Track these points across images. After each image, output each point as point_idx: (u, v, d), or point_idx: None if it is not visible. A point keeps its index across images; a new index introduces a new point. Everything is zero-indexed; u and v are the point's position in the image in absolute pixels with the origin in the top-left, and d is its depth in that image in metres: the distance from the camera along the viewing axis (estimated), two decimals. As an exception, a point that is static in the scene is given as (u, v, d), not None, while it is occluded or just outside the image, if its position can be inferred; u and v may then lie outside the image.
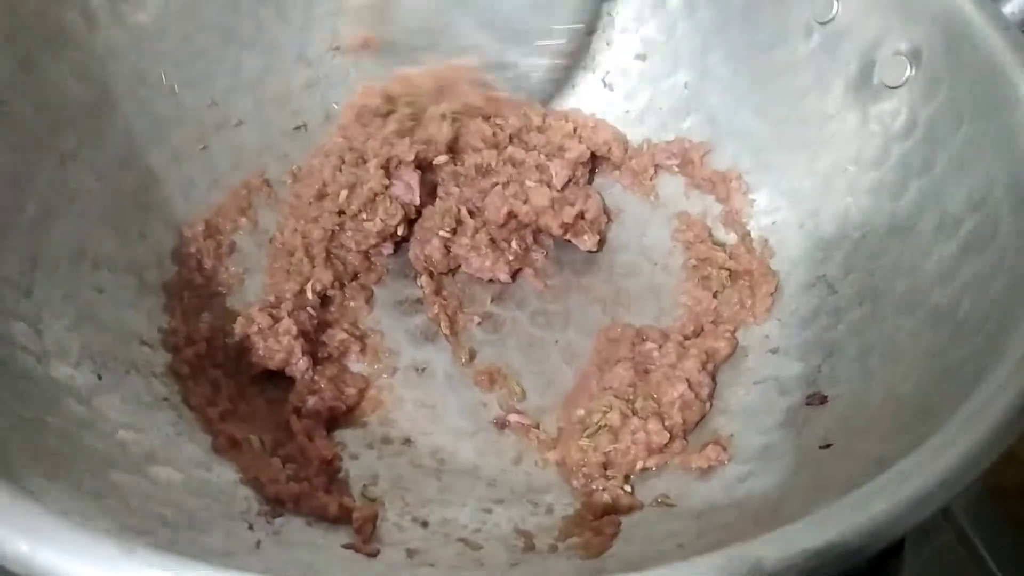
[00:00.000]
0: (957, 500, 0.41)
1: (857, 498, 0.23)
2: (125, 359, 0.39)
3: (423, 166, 0.48)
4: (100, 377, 0.37)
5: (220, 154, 0.48)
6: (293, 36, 0.51)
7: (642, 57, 0.53)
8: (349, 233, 0.47)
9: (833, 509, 0.23)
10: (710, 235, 0.49)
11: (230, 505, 0.35)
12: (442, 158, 0.49)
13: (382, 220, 0.47)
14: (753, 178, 0.49)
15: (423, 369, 0.45)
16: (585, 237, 0.48)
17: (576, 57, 0.53)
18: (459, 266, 0.48)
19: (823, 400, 0.38)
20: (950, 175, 0.38)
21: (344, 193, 0.46)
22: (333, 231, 0.47)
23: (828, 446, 0.35)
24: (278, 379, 0.43)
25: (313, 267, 0.46)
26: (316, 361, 0.44)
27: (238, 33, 0.49)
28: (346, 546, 0.35)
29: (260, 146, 0.50)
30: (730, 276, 0.46)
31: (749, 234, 0.48)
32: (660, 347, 0.43)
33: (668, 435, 0.39)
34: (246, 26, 0.49)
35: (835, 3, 0.45)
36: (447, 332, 0.46)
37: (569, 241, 0.49)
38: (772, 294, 0.45)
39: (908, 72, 0.41)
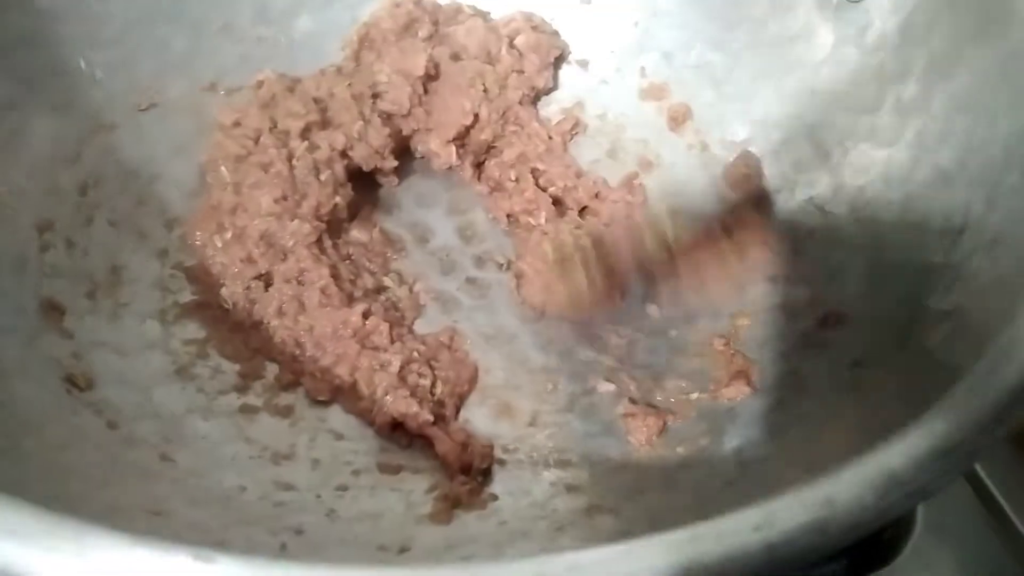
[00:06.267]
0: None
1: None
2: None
3: None
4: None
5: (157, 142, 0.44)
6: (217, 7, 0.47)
7: (587, 1, 0.51)
8: None
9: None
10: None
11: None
12: None
13: None
14: (718, 111, 0.48)
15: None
16: None
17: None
18: None
19: (839, 318, 0.37)
20: (931, 79, 0.38)
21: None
22: None
23: (859, 364, 0.34)
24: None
25: None
26: None
27: (158, 9, 0.45)
28: None
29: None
30: (712, 212, 0.45)
31: (725, 168, 0.47)
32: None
33: None
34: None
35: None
36: None
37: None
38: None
39: (866, -17, 0.41)
